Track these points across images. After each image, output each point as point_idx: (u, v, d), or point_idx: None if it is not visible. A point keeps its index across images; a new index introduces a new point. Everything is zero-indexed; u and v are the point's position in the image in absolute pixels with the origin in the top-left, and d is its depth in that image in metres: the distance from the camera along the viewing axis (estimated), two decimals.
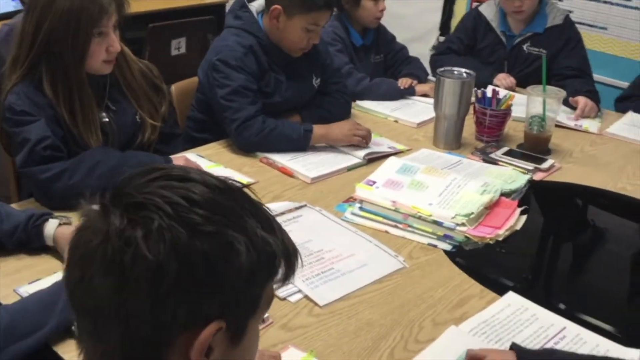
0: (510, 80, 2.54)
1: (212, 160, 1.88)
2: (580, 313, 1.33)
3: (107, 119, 1.69)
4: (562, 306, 1.37)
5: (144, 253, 0.63)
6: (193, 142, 2.07)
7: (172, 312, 0.64)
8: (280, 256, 0.72)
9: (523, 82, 2.47)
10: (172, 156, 1.75)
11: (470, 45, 2.69)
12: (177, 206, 0.65)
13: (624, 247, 2.58)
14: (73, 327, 1.14)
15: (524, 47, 2.60)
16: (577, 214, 2.56)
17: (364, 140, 1.98)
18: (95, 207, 0.68)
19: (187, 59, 3.34)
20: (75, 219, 1.39)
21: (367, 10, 2.47)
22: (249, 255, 0.67)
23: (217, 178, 0.72)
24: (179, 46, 3.37)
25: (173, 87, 2.20)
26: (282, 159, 1.88)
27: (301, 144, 1.95)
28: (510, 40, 2.61)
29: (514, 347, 1.14)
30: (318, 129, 1.98)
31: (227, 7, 3.76)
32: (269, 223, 0.72)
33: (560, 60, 2.51)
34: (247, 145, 1.95)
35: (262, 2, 2.04)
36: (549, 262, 2.45)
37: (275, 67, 2.04)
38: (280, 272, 0.72)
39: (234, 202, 0.70)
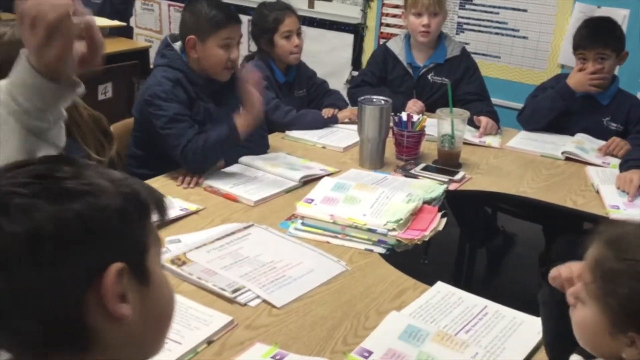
0: (420, 104, 2.75)
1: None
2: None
3: None
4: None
5: (10, 230, 0.64)
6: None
7: (69, 274, 0.66)
8: (143, 193, 0.74)
9: (431, 108, 2.74)
10: None
11: (382, 77, 2.92)
12: (29, 185, 0.67)
13: (529, 248, 2.89)
14: None
15: (429, 76, 2.86)
16: (488, 221, 2.87)
17: None
18: None
19: (114, 103, 3.43)
20: None
21: (282, 48, 2.66)
22: (114, 199, 0.70)
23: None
24: (105, 91, 3.47)
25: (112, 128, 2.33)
26: (225, 186, 2.03)
27: (235, 134, 2.06)
28: (416, 71, 2.87)
29: None
30: (240, 121, 2.07)
31: (151, 52, 3.91)
32: (113, 174, 0.74)
33: (462, 87, 2.77)
34: (195, 168, 2.08)
35: None
36: (468, 263, 2.72)
37: (203, 96, 2.19)
38: (152, 208, 0.75)
39: (79, 166, 0.73)
